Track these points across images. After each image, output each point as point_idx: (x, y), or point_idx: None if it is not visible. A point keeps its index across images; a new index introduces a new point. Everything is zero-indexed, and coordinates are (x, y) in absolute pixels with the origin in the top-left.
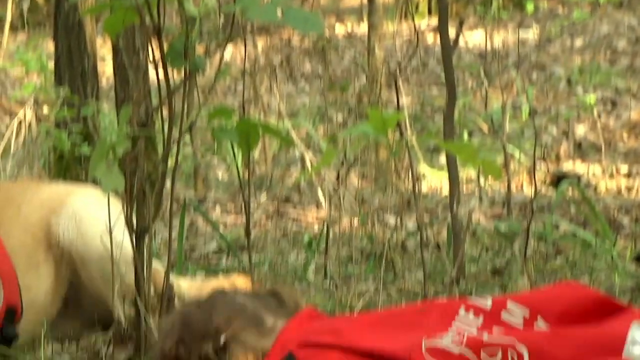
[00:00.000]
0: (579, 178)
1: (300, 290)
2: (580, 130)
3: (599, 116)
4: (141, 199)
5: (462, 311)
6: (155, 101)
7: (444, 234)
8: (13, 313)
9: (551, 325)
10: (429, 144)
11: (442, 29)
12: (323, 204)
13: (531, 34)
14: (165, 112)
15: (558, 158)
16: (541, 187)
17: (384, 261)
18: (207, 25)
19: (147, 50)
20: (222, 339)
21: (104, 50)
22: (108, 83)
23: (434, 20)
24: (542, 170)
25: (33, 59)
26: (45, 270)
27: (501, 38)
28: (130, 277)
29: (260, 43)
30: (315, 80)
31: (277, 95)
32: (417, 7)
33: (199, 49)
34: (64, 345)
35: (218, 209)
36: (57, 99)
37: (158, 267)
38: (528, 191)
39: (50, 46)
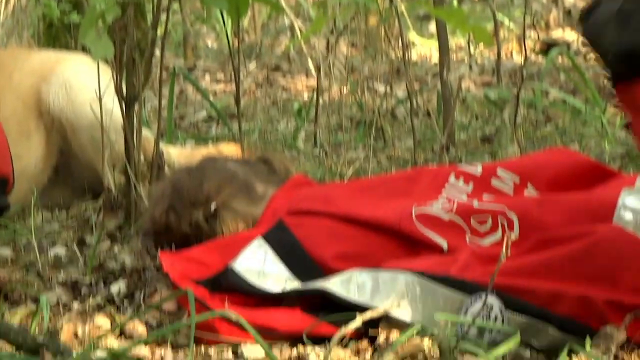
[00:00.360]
0: (568, 45)
1: (290, 157)
2: None
3: None
4: (131, 67)
5: (452, 178)
6: None
7: (434, 101)
8: (5, 183)
9: (541, 192)
10: (418, 12)
11: None
12: (313, 72)
13: None
14: None
15: (548, 25)
16: (531, 54)
17: (373, 129)
18: None
19: None
20: (213, 206)
21: None
22: None
23: None
24: (532, 38)
25: None
26: (36, 139)
27: None
28: (120, 145)
29: None
30: None
31: None
32: None
33: None
34: (54, 213)
35: (207, 77)
36: None
37: (148, 135)
38: (518, 59)
39: None
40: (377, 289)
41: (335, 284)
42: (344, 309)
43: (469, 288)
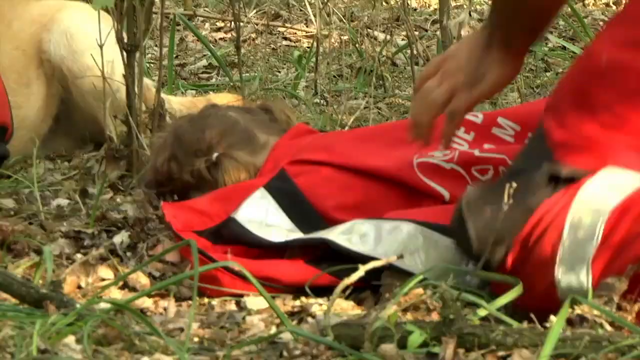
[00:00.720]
0: None
1: (291, 106)
2: None
3: None
4: (131, 15)
5: None
6: None
7: (434, 49)
8: (4, 131)
9: None
10: None
11: None
12: (312, 19)
13: None
14: None
15: None
16: None
17: (374, 77)
18: None
19: None
20: (215, 156)
21: None
22: None
23: None
24: None
25: None
26: (36, 88)
27: None
28: (122, 94)
29: None
30: None
31: None
32: None
33: None
34: (55, 163)
35: (208, 25)
36: None
37: (149, 84)
38: None
39: None
40: (380, 239)
41: (337, 235)
42: (347, 259)
43: None
